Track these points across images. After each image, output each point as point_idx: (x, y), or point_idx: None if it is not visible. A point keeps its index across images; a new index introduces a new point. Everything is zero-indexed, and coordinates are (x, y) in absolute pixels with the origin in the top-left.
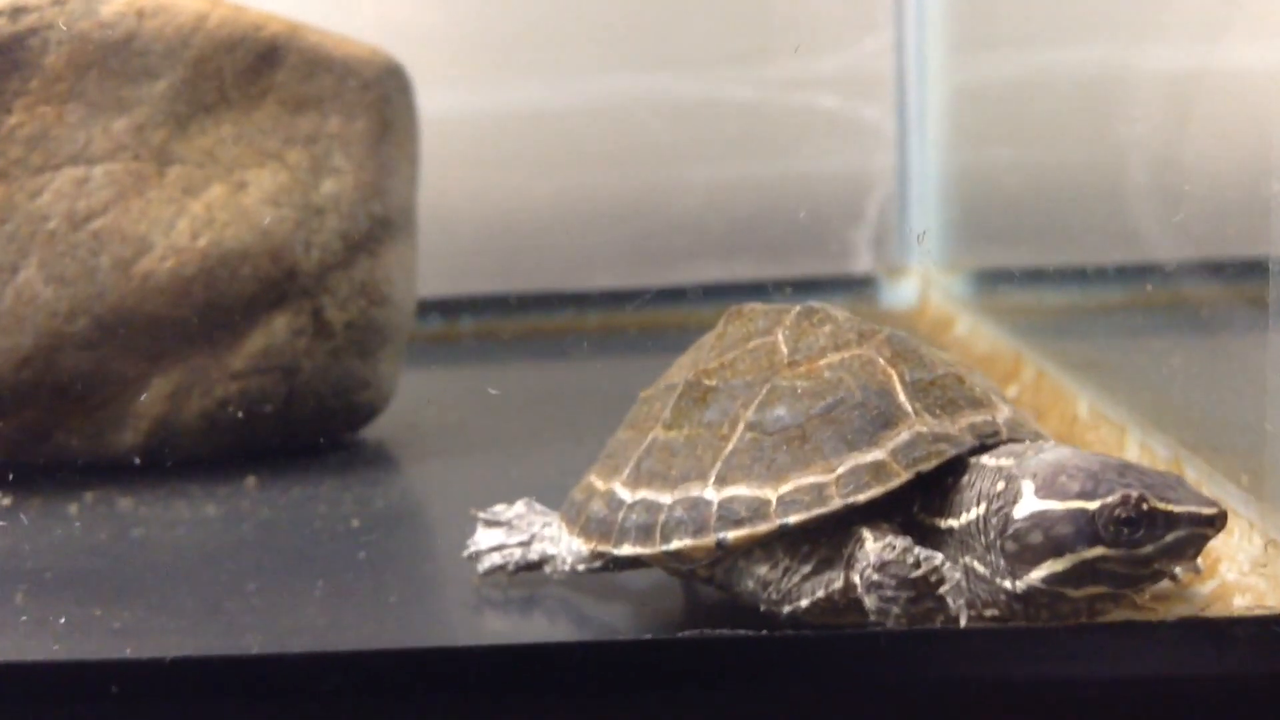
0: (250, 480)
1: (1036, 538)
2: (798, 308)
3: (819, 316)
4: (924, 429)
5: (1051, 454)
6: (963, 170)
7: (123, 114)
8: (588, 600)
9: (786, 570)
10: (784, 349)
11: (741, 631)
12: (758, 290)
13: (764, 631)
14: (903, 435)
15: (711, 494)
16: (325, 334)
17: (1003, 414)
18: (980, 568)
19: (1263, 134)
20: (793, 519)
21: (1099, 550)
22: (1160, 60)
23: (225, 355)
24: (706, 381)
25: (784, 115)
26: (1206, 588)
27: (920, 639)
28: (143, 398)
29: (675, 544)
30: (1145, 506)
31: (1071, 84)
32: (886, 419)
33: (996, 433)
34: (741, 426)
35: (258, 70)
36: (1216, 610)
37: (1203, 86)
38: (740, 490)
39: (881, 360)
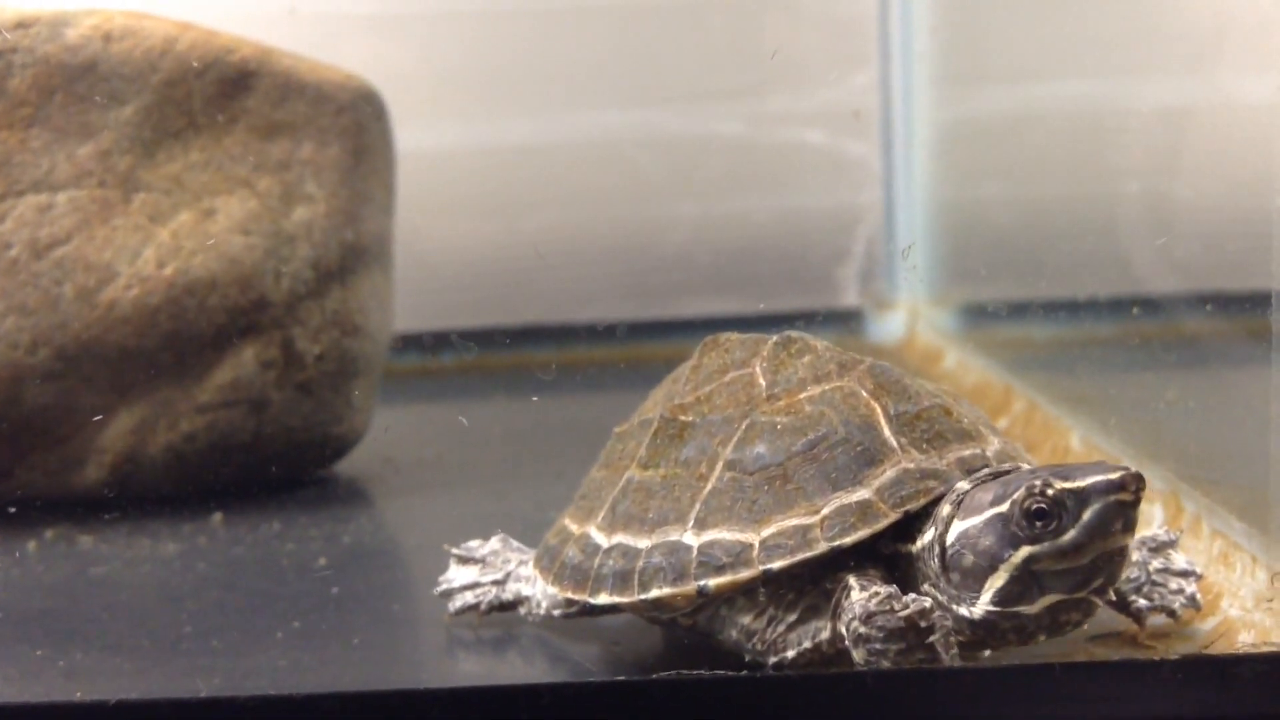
0: (217, 517)
1: (968, 559)
2: (775, 338)
3: (797, 346)
4: (910, 465)
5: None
6: (950, 204)
7: (88, 139)
8: (561, 640)
9: (771, 620)
10: (762, 382)
11: (719, 672)
12: (744, 325)
13: (743, 672)
14: (888, 473)
15: (691, 538)
16: (296, 366)
17: (993, 446)
18: (939, 595)
19: (1260, 166)
20: (776, 564)
21: (1025, 551)
22: (1150, 94)
23: (192, 387)
24: (682, 417)
25: (771, 151)
26: (1208, 624)
27: (909, 679)
28: (97, 419)
29: (654, 592)
30: (1050, 491)
31: (1060, 118)
32: (871, 456)
33: (986, 466)
34: (720, 465)
35: (228, 95)
36: (1220, 648)
37: (1193, 120)
38: (721, 534)
39: (864, 393)
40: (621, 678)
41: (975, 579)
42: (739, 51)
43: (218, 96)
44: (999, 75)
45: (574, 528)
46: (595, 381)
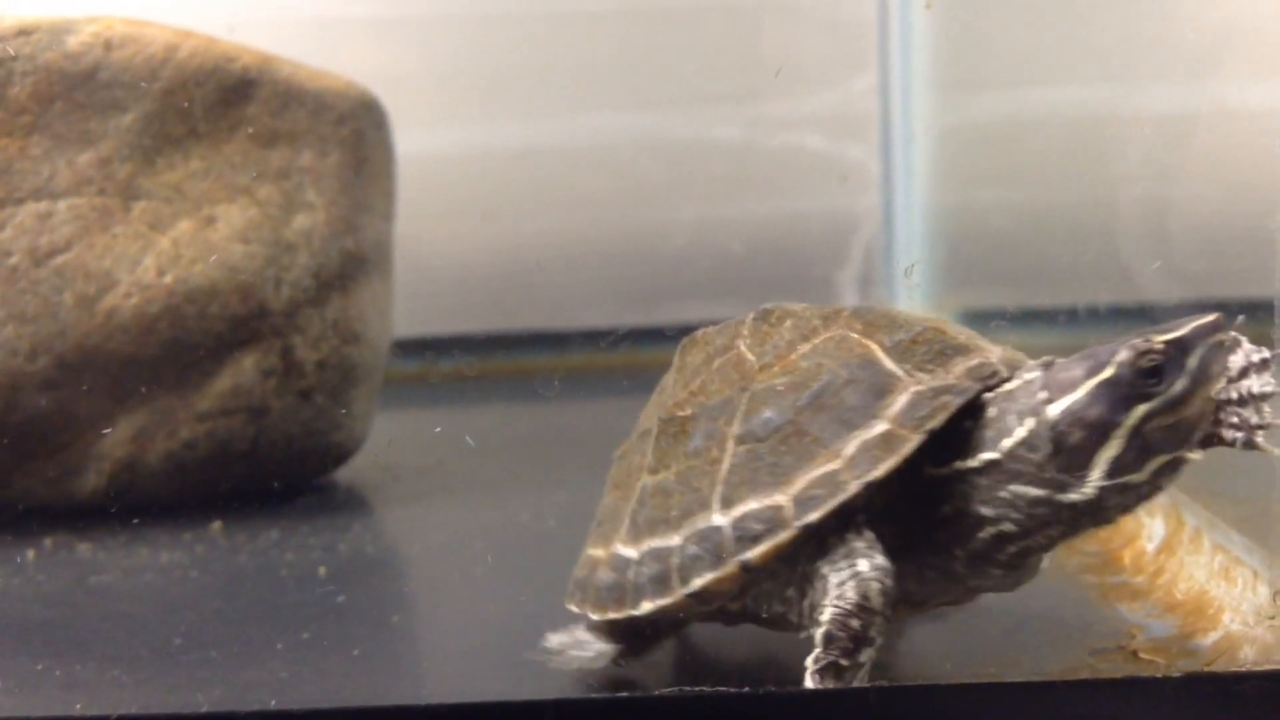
0: (216, 525)
1: (1075, 435)
2: (752, 314)
3: (777, 315)
4: (921, 387)
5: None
6: (949, 210)
7: (88, 147)
8: None
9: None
10: (750, 356)
11: (721, 689)
12: None
13: (745, 689)
14: (901, 400)
15: (720, 519)
16: (296, 374)
17: (995, 354)
18: (1035, 491)
19: (1261, 172)
20: (813, 516)
21: (1141, 410)
22: (1151, 100)
23: (192, 395)
24: (680, 413)
25: (770, 155)
26: (1209, 640)
27: (911, 695)
28: (105, 431)
29: (697, 582)
30: (1157, 344)
31: (1060, 124)
32: (879, 388)
33: (995, 372)
34: (731, 443)
35: (229, 103)
36: (1222, 665)
37: (1195, 126)
38: (750, 505)
39: (855, 335)
40: (624, 694)
41: (1084, 455)
42: (738, 56)
43: (218, 104)
44: (999, 80)
45: (599, 553)
46: (594, 387)
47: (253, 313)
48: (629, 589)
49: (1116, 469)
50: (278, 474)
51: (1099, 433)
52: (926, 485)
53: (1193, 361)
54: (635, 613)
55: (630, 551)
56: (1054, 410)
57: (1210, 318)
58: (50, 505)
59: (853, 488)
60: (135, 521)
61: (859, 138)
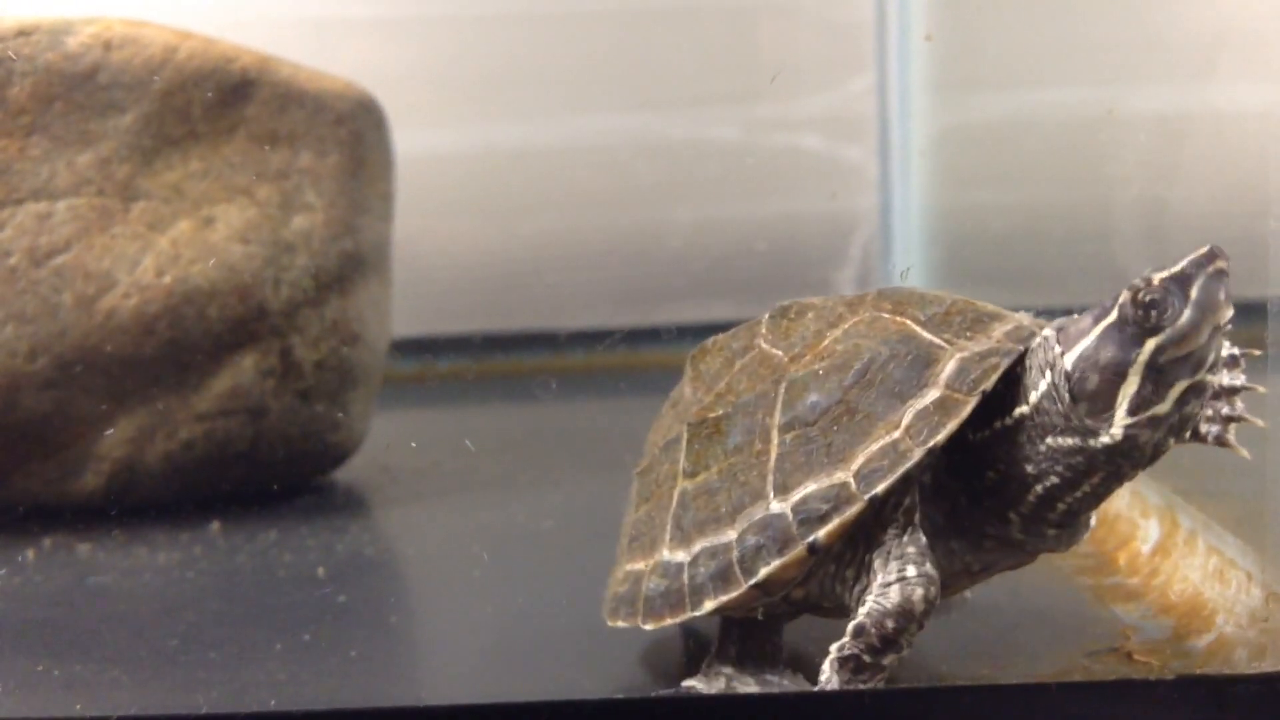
0: (215, 525)
1: (1093, 380)
2: (766, 314)
3: (795, 310)
4: (966, 353)
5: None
6: (946, 210)
7: (88, 148)
8: (562, 658)
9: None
10: (777, 352)
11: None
12: None
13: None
14: (949, 366)
15: (779, 506)
16: (294, 374)
17: (1027, 319)
18: (1068, 441)
19: (1255, 174)
20: (880, 487)
21: (1151, 344)
22: (1147, 101)
23: (191, 396)
24: (711, 415)
25: (768, 156)
26: (1203, 641)
27: (908, 697)
28: (107, 433)
29: (763, 571)
30: (1155, 282)
31: (1056, 125)
32: (924, 359)
33: (1033, 334)
34: (775, 432)
35: (228, 104)
36: (1216, 667)
37: (1190, 128)
38: (809, 488)
39: (886, 315)
40: (620, 695)
41: (1105, 398)
42: (736, 57)
43: (217, 105)
44: (995, 81)
45: (641, 565)
46: (591, 388)
47: (251, 313)
48: (686, 591)
49: (1138, 404)
50: (276, 475)
51: (1115, 372)
52: (970, 454)
53: (1195, 292)
54: (697, 613)
55: (680, 555)
56: (1069, 360)
57: (1205, 249)
58: (49, 505)
59: (916, 454)
60: (134, 522)
61: (857, 139)
